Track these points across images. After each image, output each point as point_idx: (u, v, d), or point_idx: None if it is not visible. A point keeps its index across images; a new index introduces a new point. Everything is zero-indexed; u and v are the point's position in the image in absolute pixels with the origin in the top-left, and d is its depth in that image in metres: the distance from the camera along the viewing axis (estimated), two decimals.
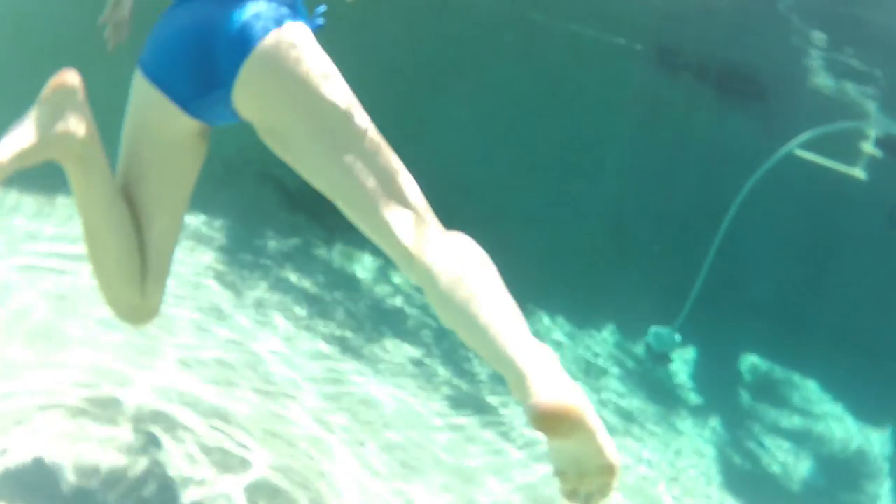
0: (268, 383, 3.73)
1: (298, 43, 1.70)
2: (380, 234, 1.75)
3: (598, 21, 7.12)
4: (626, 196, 6.77)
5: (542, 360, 1.51)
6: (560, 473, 1.50)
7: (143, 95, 1.80)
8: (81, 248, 2.04)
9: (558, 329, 5.84)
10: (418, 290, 5.57)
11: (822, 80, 7.62)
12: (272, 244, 5.65)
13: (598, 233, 6.60)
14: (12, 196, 5.32)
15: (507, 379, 1.54)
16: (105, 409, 2.81)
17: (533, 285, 5.96)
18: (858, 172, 7.60)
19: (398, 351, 4.85)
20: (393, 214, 1.71)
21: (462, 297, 1.67)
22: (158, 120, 1.82)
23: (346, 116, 1.72)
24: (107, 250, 1.93)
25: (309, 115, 1.71)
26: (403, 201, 1.73)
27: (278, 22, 1.70)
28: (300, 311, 4.91)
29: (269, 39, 1.67)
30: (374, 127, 1.77)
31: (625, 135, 6.80)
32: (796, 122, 6.82)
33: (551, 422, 1.38)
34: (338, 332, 4.80)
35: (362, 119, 1.74)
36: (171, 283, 4.64)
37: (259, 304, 4.79)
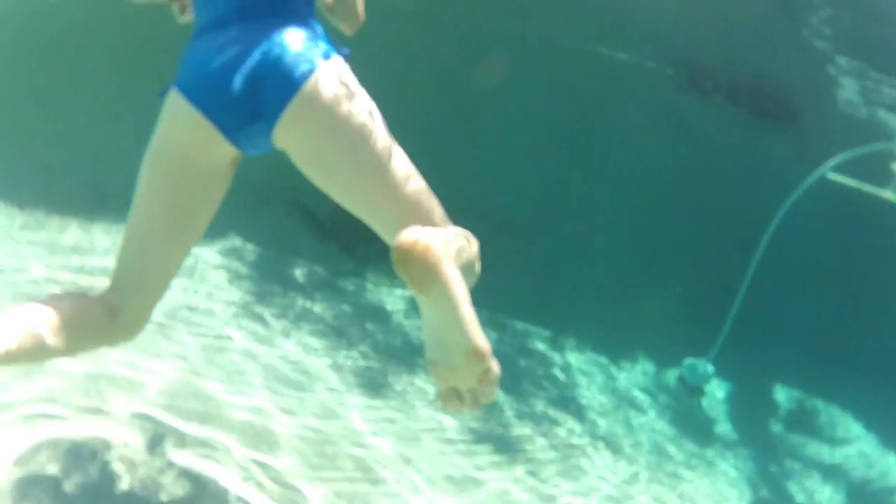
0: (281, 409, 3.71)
1: (341, 80, 1.77)
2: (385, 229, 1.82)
3: (628, 45, 7.06)
4: (659, 224, 6.65)
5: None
6: (431, 365, 1.42)
7: (182, 118, 1.79)
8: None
9: (591, 360, 5.73)
10: None
11: (854, 102, 7.53)
12: (300, 274, 5.59)
13: (632, 262, 6.48)
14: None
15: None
16: (132, 431, 2.76)
17: (566, 315, 5.90)
18: (891, 195, 7.49)
19: (423, 384, 4.76)
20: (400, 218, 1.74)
21: None
22: (197, 144, 1.82)
23: (382, 149, 1.77)
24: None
25: (347, 149, 1.75)
26: (430, 222, 1.76)
27: (321, 59, 1.76)
28: (326, 342, 4.87)
29: (315, 78, 1.73)
30: (406, 157, 1.82)
31: (657, 160, 6.69)
32: (829, 145, 6.73)
33: (405, 258, 1.35)
34: (363, 364, 4.76)
35: (395, 151, 1.80)
36: (193, 309, 4.66)
37: (285, 334, 4.74)
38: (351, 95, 1.77)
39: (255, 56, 1.74)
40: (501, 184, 6.32)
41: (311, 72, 1.73)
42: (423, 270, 1.36)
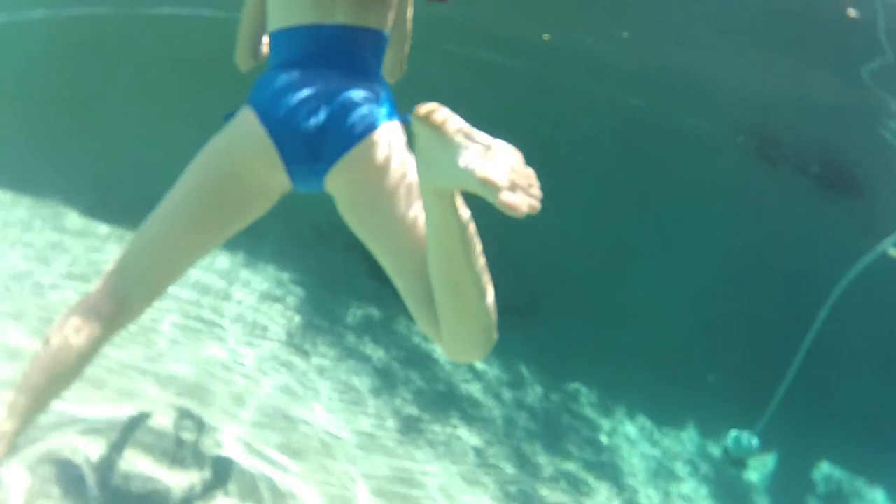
0: (312, 448, 3.66)
1: (394, 143, 1.95)
2: (418, 311, 1.95)
3: (699, 109, 7.02)
4: (717, 291, 6.57)
5: None
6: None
7: (252, 137, 1.95)
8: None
9: (637, 425, 5.64)
10: (500, 380, 5.47)
11: None
12: (351, 312, 5.60)
13: (687, 328, 6.40)
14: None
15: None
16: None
17: (615, 378, 5.83)
18: None
19: (462, 437, 4.72)
20: (433, 301, 1.86)
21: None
22: (256, 163, 1.97)
23: (419, 213, 1.90)
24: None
25: (387, 206, 1.91)
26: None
27: (381, 120, 1.94)
28: (367, 382, 4.86)
29: (372, 138, 1.92)
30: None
31: (720, 226, 6.63)
32: (893, 222, 6.60)
33: (424, 114, 1.51)
34: (402, 409, 4.73)
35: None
36: (235, 336, 4.68)
37: (320, 370, 4.74)
38: (400, 158, 1.94)
39: (329, 104, 1.92)
40: (562, 240, 6.30)
41: (369, 131, 1.92)
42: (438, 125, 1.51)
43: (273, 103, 1.93)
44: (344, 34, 2.00)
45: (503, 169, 1.43)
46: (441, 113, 1.51)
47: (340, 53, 2.00)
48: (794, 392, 6.06)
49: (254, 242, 5.73)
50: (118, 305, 1.96)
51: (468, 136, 1.51)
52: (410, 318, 5.81)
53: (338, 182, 1.95)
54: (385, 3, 2.08)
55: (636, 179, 6.77)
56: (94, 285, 1.98)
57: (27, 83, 7.80)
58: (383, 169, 1.90)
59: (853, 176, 7.39)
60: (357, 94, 1.94)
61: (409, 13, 2.33)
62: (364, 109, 1.92)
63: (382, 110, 1.96)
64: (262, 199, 2.04)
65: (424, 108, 1.52)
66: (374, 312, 5.61)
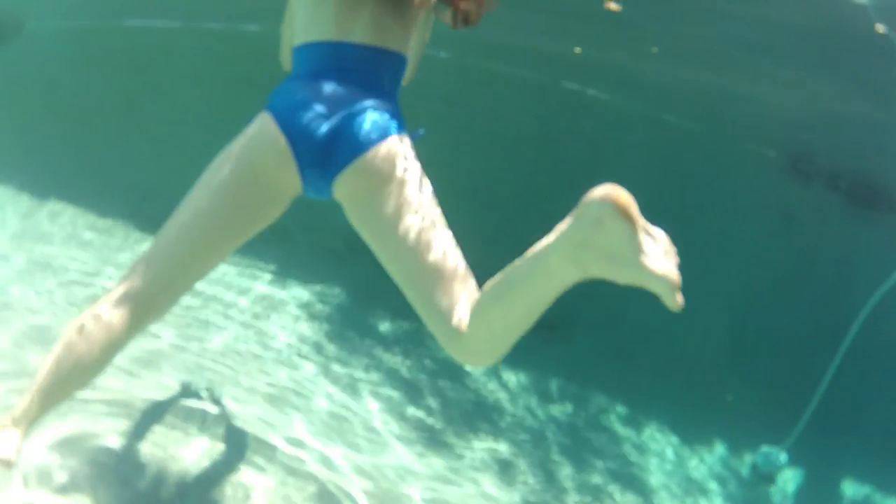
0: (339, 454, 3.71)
1: (401, 154, 2.05)
2: (428, 314, 1.99)
3: (732, 125, 6.98)
4: (748, 306, 6.53)
5: None
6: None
7: (270, 139, 2.05)
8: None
9: (666, 441, 5.62)
10: (529, 393, 5.49)
11: None
12: (382, 323, 5.64)
13: (717, 344, 6.37)
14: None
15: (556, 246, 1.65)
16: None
17: (645, 394, 5.81)
18: None
19: (487, 447, 4.74)
20: (442, 304, 1.94)
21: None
22: (272, 165, 2.06)
23: (423, 221, 2.01)
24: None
25: (393, 213, 2.00)
26: (452, 295, 1.95)
27: (389, 132, 2.05)
28: (393, 392, 4.90)
29: (380, 147, 2.02)
30: (448, 234, 2.04)
31: (751, 241, 6.58)
32: None
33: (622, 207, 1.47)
34: (429, 419, 4.76)
35: (438, 226, 2.03)
36: (266, 343, 4.71)
37: (348, 380, 4.79)
38: (406, 169, 2.04)
39: (342, 114, 2.03)
40: None
41: (378, 141, 2.03)
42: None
43: (291, 110, 2.05)
44: (362, 53, 2.11)
45: (674, 264, 1.55)
46: (634, 206, 1.50)
47: (357, 70, 2.11)
48: (823, 408, 6.01)
49: (286, 255, 5.79)
50: (141, 303, 2.00)
51: (646, 231, 1.54)
52: None
53: (346, 187, 2.06)
54: (403, 27, 2.19)
55: (668, 195, 6.73)
56: (117, 284, 2.02)
57: (69, 92, 7.95)
58: (389, 177, 2.01)
59: (885, 192, 7.30)
60: (370, 107, 2.06)
61: (427, 35, 2.41)
62: (375, 121, 2.04)
63: (393, 123, 2.07)
64: (277, 202, 2.12)
65: (618, 197, 1.49)
66: (405, 325, 5.64)
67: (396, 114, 2.13)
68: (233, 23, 7.00)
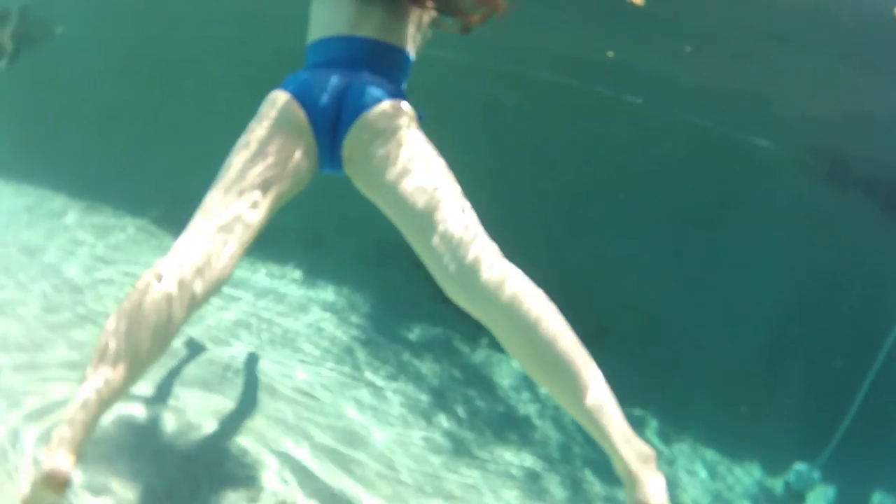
0: (361, 462, 3.66)
1: (402, 114, 2.26)
2: (433, 263, 2.13)
3: (769, 131, 6.87)
4: (784, 318, 6.41)
5: (643, 457, 1.97)
6: None
7: (288, 110, 2.26)
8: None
9: (698, 456, 5.50)
10: (558, 405, 5.39)
11: None
12: (411, 330, 5.59)
13: (752, 358, 6.25)
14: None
15: (607, 452, 1.99)
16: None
17: (679, 407, 5.70)
18: None
19: (514, 459, 4.65)
20: (445, 250, 2.09)
21: (525, 324, 2.01)
22: (294, 134, 2.24)
23: (434, 177, 2.17)
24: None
25: (399, 170, 2.17)
26: (465, 253, 2.08)
27: (388, 96, 2.27)
28: (421, 399, 4.84)
29: (379, 107, 2.24)
30: (459, 191, 2.18)
31: (788, 251, 6.46)
32: None
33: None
34: (456, 427, 4.67)
35: (449, 183, 2.18)
36: (296, 347, 4.67)
37: (376, 384, 4.75)
38: (403, 126, 2.24)
39: (349, 88, 2.27)
40: (630, 267, 6.21)
41: (377, 101, 2.24)
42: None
43: (305, 87, 2.28)
44: (370, 44, 2.38)
45: None
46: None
47: (365, 58, 2.36)
48: (858, 424, 5.90)
49: (318, 260, 5.77)
50: (200, 266, 2.02)
51: None
52: (472, 340, 5.77)
53: (349, 148, 2.26)
54: (408, 28, 2.46)
55: (703, 204, 6.64)
56: (168, 252, 2.04)
57: (97, 95, 8.01)
58: (385, 131, 2.22)
59: None
60: (374, 82, 2.29)
61: (429, 34, 2.65)
62: (375, 90, 2.27)
63: (390, 88, 2.30)
64: (299, 170, 2.25)
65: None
66: (435, 332, 5.59)
67: (399, 92, 2.34)
68: (260, 29, 7.01)
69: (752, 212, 6.53)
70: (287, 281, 5.76)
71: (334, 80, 2.28)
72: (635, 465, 1.94)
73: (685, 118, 6.83)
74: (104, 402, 1.80)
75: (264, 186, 2.15)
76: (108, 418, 3.01)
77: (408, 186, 2.13)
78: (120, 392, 1.85)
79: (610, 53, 7.20)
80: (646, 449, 1.98)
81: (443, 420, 4.68)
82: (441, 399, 4.93)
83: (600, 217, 6.42)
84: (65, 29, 9.30)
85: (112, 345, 1.84)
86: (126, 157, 7.26)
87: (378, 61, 2.37)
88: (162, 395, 3.48)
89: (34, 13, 9.55)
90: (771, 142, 6.98)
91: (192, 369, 3.90)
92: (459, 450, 4.42)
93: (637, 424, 5.53)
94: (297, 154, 2.23)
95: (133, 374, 1.86)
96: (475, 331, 5.67)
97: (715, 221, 6.65)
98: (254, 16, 7.40)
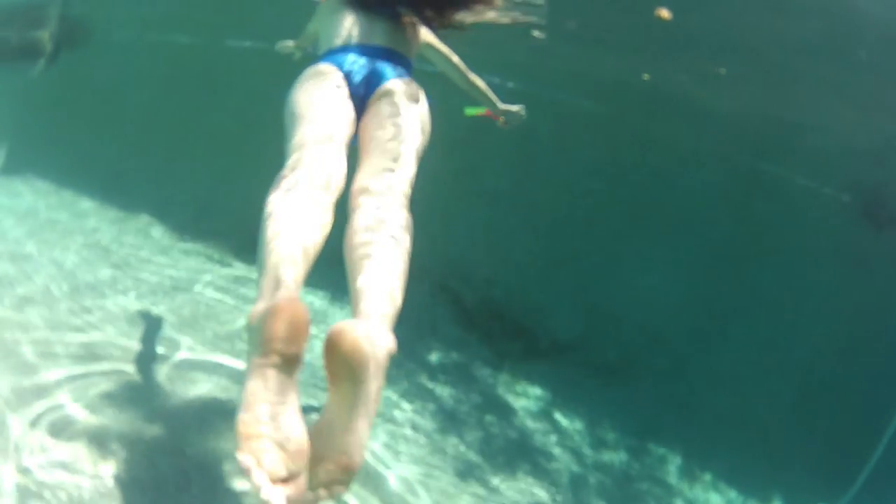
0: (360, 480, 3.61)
1: (406, 86, 2.79)
2: (366, 164, 2.55)
3: (806, 167, 6.77)
4: (814, 357, 6.31)
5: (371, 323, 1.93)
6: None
7: (331, 71, 2.78)
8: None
9: (721, 495, 5.41)
10: (581, 436, 5.33)
11: None
12: (432, 353, 5.56)
13: (780, 396, 6.15)
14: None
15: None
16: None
17: (703, 444, 5.61)
18: None
19: (525, 489, 4.58)
20: (374, 172, 2.50)
21: (360, 252, 2.24)
22: (336, 91, 2.73)
23: (413, 131, 2.66)
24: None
25: (382, 111, 2.71)
26: (388, 179, 2.47)
27: (398, 76, 2.83)
28: (434, 422, 4.80)
29: (393, 81, 2.80)
30: (417, 132, 2.67)
31: (821, 289, 6.37)
32: None
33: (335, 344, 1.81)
34: (465, 453, 4.62)
35: (420, 140, 2.68)
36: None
37: (390, 404, 4.71)
38: (409, 94, 2.76)
39: (374, 66, 2.82)
40: (659, 300, 6.14)
41: (390, 78, 2.80)
42: (348, 366, 1.80)
43: (340, 63, 2.81)
44: (383, 50, 2.92)
45: None
46: None
47: (379, 56, 2.89)
48: (881, 467, 5.78)
49: (340, 278, 5.73)
50: (327, 172, 2.38)
51: None
52: (492, 366, 5.68)
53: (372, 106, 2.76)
54: (405, 37, 3.06)
55: (740, 237, 6.56)
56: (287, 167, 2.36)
57: (134, 102, 8.08)
58: (393, 91, 2.74)
59: None
60: (389, 65, 2.85)
61: (444, 47, 3.47)
62: (391, 71, 2.83)
63: (400, 71, 2.87)
64: (348, 113, 2.70)
65: None
66: (455, 357, 5.55)
67: (407, 74, 2.92)
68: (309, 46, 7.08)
69: (786, 246, 6.45)
70: (311, 302, 5.75)
71: (361, 63, 2.82)
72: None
73: (719, 150, 6.76)
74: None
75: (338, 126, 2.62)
76: (102, 410, 3.11)
77: (390, 115, 2.67)
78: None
79: (646, 76, 7.14)
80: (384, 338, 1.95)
81: (456, 443, 4.64)
82: (455, 422, 4.89)
83: (630, 248, 6.36)
84: (107, 33, 9.38)
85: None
86: (158, 163, 7.31)
87: (390, 59, 2.90)
88: (162, 392, 3.52)
89: (76, 16, 9.65)
90: (807, 178, 6.89)
91: (192, 369, 3.91)
92: (469, 474, 4.38)
93: (657, 460, 5.47)
94: (346, 104, 2.74)
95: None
96: (497, 359, 5.64)
97: (749, 258, 6.56)
98: (299, 33, 7.44)
